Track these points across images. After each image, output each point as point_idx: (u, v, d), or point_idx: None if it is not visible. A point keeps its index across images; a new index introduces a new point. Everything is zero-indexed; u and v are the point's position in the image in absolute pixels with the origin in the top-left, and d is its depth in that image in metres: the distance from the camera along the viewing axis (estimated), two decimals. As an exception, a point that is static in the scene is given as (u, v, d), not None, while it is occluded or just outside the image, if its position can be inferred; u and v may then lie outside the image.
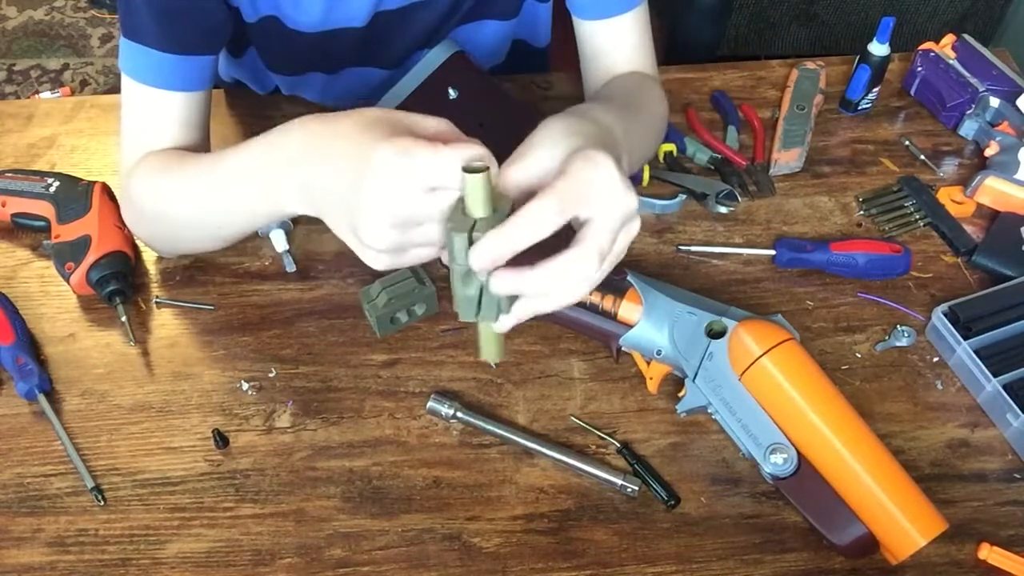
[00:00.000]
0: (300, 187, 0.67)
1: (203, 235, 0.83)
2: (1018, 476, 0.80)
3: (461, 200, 0.58)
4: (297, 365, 0.86)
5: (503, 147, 0.89)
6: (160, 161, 0.82)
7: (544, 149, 0.62)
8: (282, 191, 0.68)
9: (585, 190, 0.59)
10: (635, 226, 0.64)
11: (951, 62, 1.05)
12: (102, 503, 0.78)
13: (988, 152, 0.99)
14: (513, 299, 0.61)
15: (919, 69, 1.05)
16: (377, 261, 0.63)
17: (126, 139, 0.85)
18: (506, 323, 0.62)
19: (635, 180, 0.97)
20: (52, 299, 0.90)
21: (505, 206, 0.59)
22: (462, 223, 0.58)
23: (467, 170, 0.57)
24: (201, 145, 0.87)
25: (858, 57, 1.03)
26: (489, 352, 0.64)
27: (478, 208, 0.57)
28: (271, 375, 0.85)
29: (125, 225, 0.89)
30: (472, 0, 0.95)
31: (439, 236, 0.61)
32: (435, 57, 0.93)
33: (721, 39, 1.78)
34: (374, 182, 0.59)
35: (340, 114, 0.65)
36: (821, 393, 0.75)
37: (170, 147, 0.84)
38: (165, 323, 0.89)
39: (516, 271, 0.58)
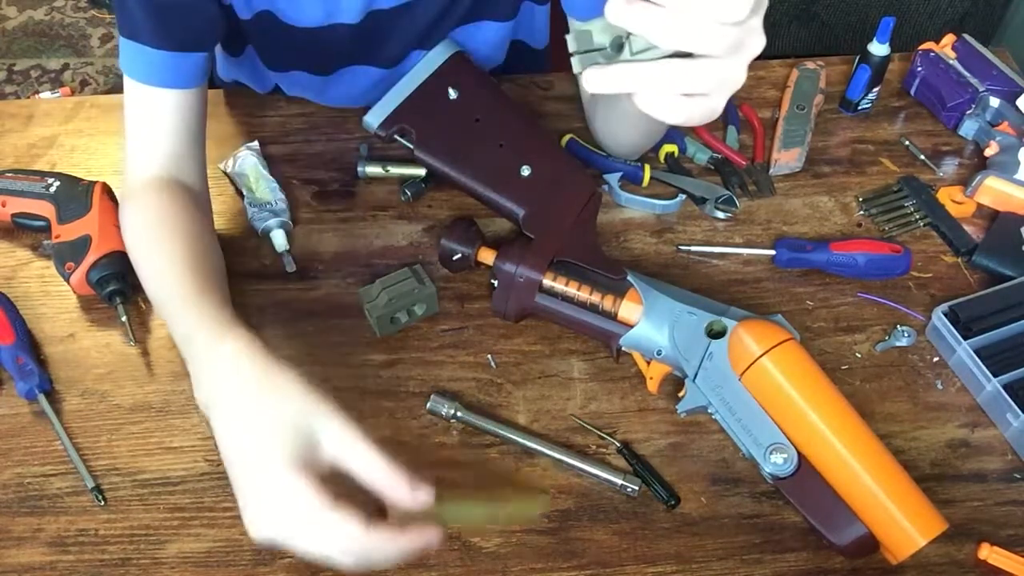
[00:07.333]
0: (208, 402, 0.68)
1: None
2: (1018, 476, 0.80)
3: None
4: (297, 365, 0.85)
5: (502, 146, 0.90)
6: (146, 218, 0.83)
7: None
8: (198, 385, 0.70)
9: None
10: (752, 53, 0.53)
11: (951, 62, 1.04)
12: (102, 503, 0.78)
13: (988, 152, 0.99)
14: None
15: (919, 69, 1.05)
16: (252, 531, 0.64)
17: (128, 136, 0.87)
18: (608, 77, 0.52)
19: (635, 180, 0.97)
20: (52, 299, 0.90)
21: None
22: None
23: None
24: (197, 141, 0.88)
25: (858, 57, 1.03)
26: None
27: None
28: (271, 375, 0.85)
29: (125, 225, 0.90)
30: (467, 1, 0.95)
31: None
32: (435, 57, 0.93)
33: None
34: (268, 498, 0.64)
35: (278, 374, 0.69)
36: (821, 393, 0.75)
37: (164, 175, 0.85)
38: (165, 323, 0.88)
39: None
